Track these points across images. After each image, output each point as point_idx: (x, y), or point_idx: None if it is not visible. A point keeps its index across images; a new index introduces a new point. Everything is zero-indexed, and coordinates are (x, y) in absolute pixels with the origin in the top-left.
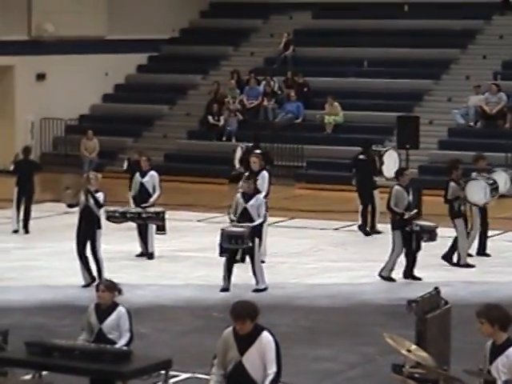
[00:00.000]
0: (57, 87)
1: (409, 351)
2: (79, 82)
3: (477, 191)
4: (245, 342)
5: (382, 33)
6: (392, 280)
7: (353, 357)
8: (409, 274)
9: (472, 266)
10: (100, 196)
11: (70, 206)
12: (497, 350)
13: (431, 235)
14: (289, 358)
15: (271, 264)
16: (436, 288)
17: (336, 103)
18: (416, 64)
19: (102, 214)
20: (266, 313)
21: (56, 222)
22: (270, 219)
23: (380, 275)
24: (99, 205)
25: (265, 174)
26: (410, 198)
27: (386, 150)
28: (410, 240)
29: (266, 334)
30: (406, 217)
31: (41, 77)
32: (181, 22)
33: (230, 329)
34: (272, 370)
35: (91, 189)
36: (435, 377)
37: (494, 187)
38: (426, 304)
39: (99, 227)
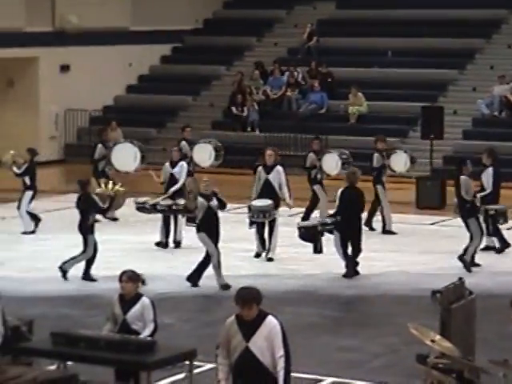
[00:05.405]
0: (81, 78)
1: (433, 341)
2: (103, 74)
3: (330, 162)
4: (249, 327)
5: (405, 23)
6: None
7: (377, 347)
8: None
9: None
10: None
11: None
12: None
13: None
14: (313, 347)
15: (298, 255)
16: (460, 278)
17: (360, 93)
18: (440, 54)
19: None
20: (291, 303)
21: None
22: (292, 210)
23: None
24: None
25: (279, 168)
26: None
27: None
28: None
29: (270, 319)
30: None
31: (65, 68)
32: (204, 12)
33: (233, 317)
34: (280, 353)
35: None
36: (460, 367)
37: (346, 161)
38: (451, 294)
39: None
